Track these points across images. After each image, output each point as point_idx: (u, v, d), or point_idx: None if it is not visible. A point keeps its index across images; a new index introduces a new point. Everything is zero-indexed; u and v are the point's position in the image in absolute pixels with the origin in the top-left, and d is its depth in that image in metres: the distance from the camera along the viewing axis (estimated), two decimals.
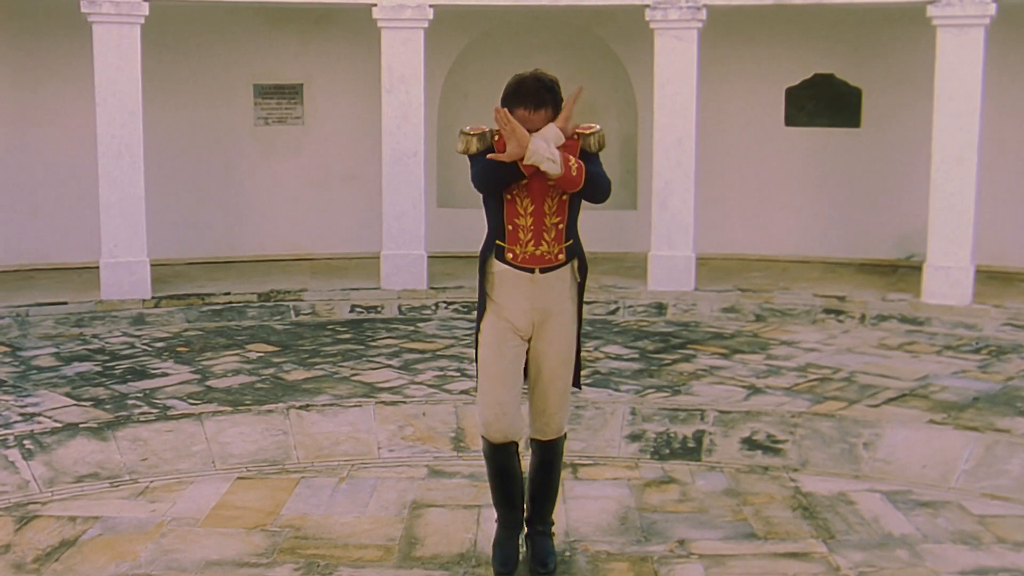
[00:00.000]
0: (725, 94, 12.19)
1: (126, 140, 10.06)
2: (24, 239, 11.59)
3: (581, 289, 4.60)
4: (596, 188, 4.37)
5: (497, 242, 4.45)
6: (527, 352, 4.54)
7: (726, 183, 12.36)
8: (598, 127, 4.52)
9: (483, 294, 4.53)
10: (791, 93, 12.41)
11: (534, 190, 4.37)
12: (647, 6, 10.39)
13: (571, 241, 4.48)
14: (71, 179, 11.52)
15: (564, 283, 4.49)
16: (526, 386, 4.61)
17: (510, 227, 4.42)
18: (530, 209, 4.39)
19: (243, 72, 12.31)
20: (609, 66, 12.42)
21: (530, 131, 4.27)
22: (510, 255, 4.42)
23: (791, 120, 12.45)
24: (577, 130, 4.49)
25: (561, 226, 4.42)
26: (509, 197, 4.39)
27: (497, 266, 4.46)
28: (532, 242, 4.40)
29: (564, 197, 4.39)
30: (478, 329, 4.57)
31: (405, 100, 10.59)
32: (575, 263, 4.52)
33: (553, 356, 4.50)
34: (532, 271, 4.42)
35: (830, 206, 12.38)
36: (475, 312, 4.82)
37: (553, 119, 4.38)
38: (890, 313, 9.91)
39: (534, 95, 4.33)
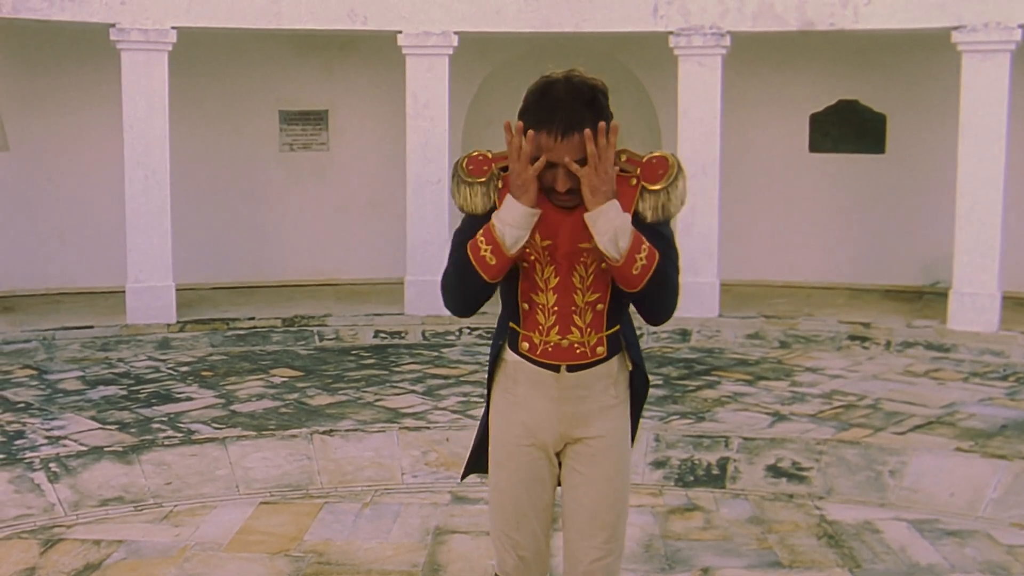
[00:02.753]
0: (749, 120, 12.19)
1: (153, 165, 10.15)
2: (51, 263, 11.69)
3: (638, 388, 3.19)
4: (656, 300, 2.97)
5: (511, 325, 3.11)
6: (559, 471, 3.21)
7: (750, 209, 12.34)
8: (673, 162, 2.97)
9: (490, 391, 3.22)
10: (815, 119, 12.40)
11: (559, 252, 2.98)
12: (671, 33, 10.42)
13: (617, 327, 3.07)
14: (98, 204, 11.62)
15: (606, 383, 3.09)
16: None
17: (525, 306, 3.06)
18: (553, 281, 3.00)
19: (268, 98, 12.40)
20: (632, 92, 12.44)
21: (553, 170, 2.88)
22: (525, 345, 3.06)
23: (815, 146, 12.43)
24: (629, 166, 2.98)
25: (601, 306, 3.02)
26: (526, 265, 3.02)
27: (511, 356, 3.12)
28: (556, 328, 3.02)
29: (604, 265, 2.95)
30: (483, 434, 3.28)
31: (429, 127, 10.64)
32: (624, 357, 3.12)
33: (596, 482, 3.11)
34: (557, 369, 3.05)
35: (855, 232, 12.34)
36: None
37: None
38: (916, 340, 9.85)
39: (564, 112, 2.82)
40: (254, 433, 6.85)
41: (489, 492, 3.27)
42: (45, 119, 11.66)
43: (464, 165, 3.05)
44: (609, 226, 2.81)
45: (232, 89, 12.22)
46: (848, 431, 7.02)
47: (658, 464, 6.37)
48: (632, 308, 3.11)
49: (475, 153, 3.07)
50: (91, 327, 9.91)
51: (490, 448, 3.21)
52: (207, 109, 12.08)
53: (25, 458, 6.25)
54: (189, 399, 7.91)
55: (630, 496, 3.22)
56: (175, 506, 5.73)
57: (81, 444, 6.60)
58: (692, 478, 6.21)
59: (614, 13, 10.49)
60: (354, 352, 9.77)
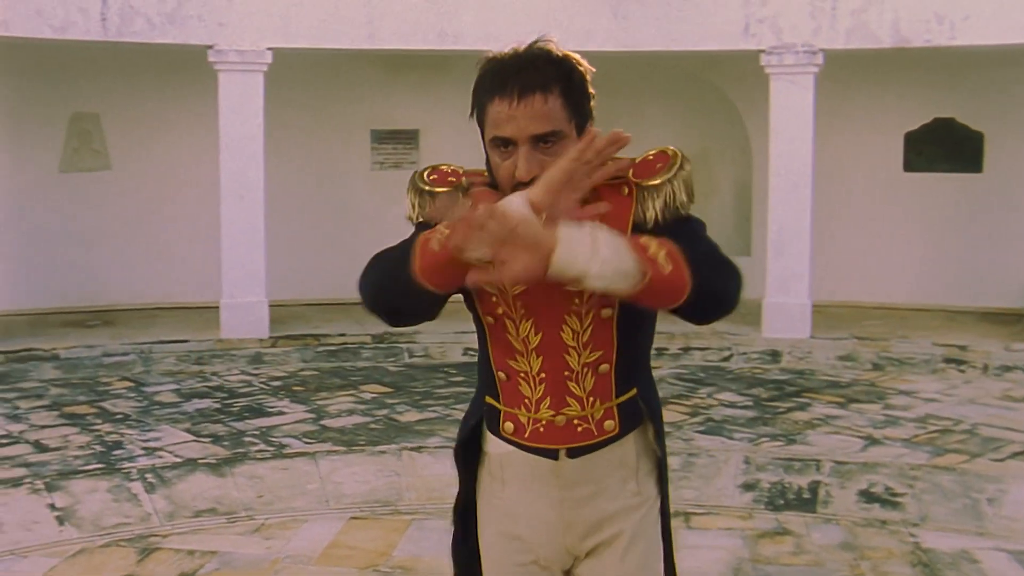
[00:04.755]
0: (842, 139, 12.03)
1: (248, 184, 10.36)
2: (149, 279, 11.98)
3: (660, 465, 2.40)
4: (712, 292, 2.10)
5: (487, 399, 2.36)
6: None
7: (843, 229, 12.16)
8: (674, 152, 2.25)
9: (467, 490, 2.46)
10: (910, 138, 12.18)
11: (537, 297, 2.21)
12: (762, 51, 10.33)
13: (632, 391, 2.30)
14: (194, 222, 11.88)
15: (623, 474, 2.33)
16: None
17: (502, 375, 2.31)
18: (535, 340, 2.25)
19: (361, 117, 12.58)
20: (722, 111, 12.36)
21: (510, 141, 2.18)
22: (510, 426, 2.31)
23: (910, 166, 12.21)
24: (621, 170, 2.24)
25: (606, 367, 2.26)
26: (491, 320, 2.28)
27: (494, 447, 2.36)
28: (548, 401, 2.27)
29: (606, 313, 2.22)
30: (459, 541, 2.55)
31: None
32: (647, 433, 2.35)
33: None
34: (554, 456, 2.30)
35: (951, 253, 12.07)
36: None
37: (568, 122, 2.20)
38: (1015, 363, 9.58)
39: (523, 72, 2.15)
40: (344, 448, 6.93)
41: None
42: (145, 139, 11.97)
43: (425, 175, 2.41)
44: (596, 258, 1.94)
45: (325, 108, 12.42)
46: (943, 456, 6.86)
47: (747, 486, 6.30)
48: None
49: (443, 166, 2.45)
50: (186, 341, 10.12)
51: (483, 571, 2.45)
52: (301, 128, 12.28)
53: (123, 468, 6.41)
54: (281, 413, 8.03)
55: None
56: (266, 519, 5.82)
57: (176, 456, 6.75)
58: (782, 501, 6.13)
59: (704, 31, 10.44)
60: (443, 369, 9.83)
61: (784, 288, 10.40)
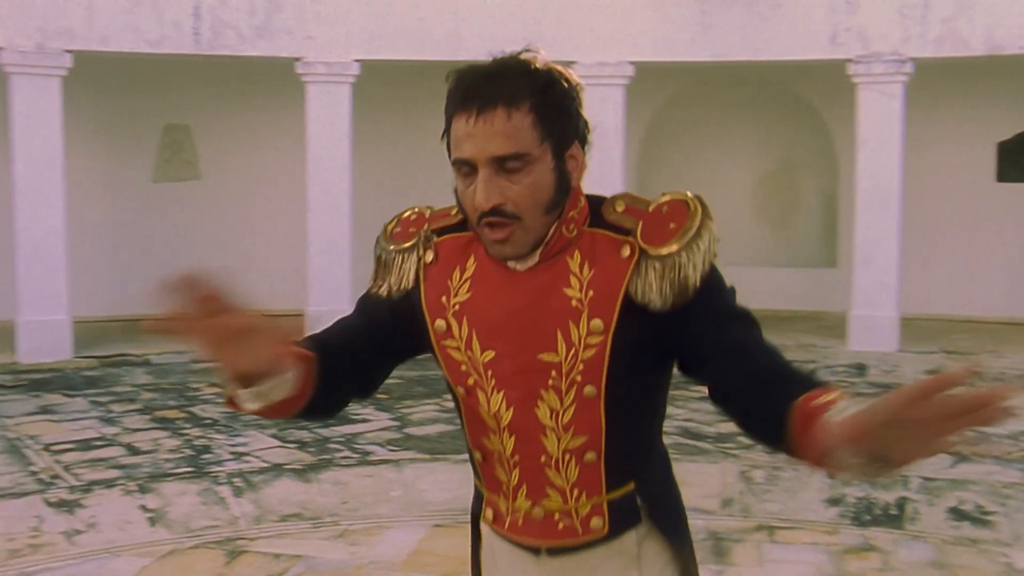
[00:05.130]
0: (931, 148, 11.82)
1: (334, 193, 10.51)
2: (236, 286, 12.20)
3: (680, 550, 2.02)
4: None
5: (476, 482, 2.12)
6: None
7: (932, 241, 11.95)
8: (695, 206, 1.84)
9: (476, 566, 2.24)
10: (1003, 147, 11.93)
11: (509, 366, 1.90)
12: (850, 60, 10.21)
13: (629, 486, 1.94)
14: (281, 230, 12.09)
15: (622, 562, 1.97)
16: None
17: (478, 455, 2.04)
18: (506, 417, 1.93)
19: (443, 125, 12.66)
20: (808, 120, 12.23)
21: (470, 163, 1.80)
22: (490, 513, 2.06)
23: (1003, 176, 11.96)
24: (627, 219, 1.89)
25: (592, 455, 1.90)
26: (462, 391, 2.00)
27: (484, 528, 2.14)
28: (524, 489, 1.96)
29: (590, 391, 1.85)
30: None
31: (605, 156, 10.68)
32: (650, 531, 1.98)
33: None
34: (537, 552, 2.00)
35: None
36: None
37: (539, 143, 1.82)
38: None
39: (488, 83, 1.80)
40: (427, 456, 6.99)
41: None
42: (234, 149, 12.23)
43: (390, 231, 2.07)
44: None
45: (409, 116, 12.54)
46: None
47: (833, 501, 6.21)
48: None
49: (407, 213, 2.08)
50: None
51: None
52: (384, 137, 12.43)
53: (211, 472, 6.55)
54: (365, 421, 8.12)
55: None
56: (350, 525, 5.90)
57: (263, 461, 6.87)
58: (868, 517, 6.03)
59: (790, 41, 10.35)
60: None
61: (871, 300, 10.25)
